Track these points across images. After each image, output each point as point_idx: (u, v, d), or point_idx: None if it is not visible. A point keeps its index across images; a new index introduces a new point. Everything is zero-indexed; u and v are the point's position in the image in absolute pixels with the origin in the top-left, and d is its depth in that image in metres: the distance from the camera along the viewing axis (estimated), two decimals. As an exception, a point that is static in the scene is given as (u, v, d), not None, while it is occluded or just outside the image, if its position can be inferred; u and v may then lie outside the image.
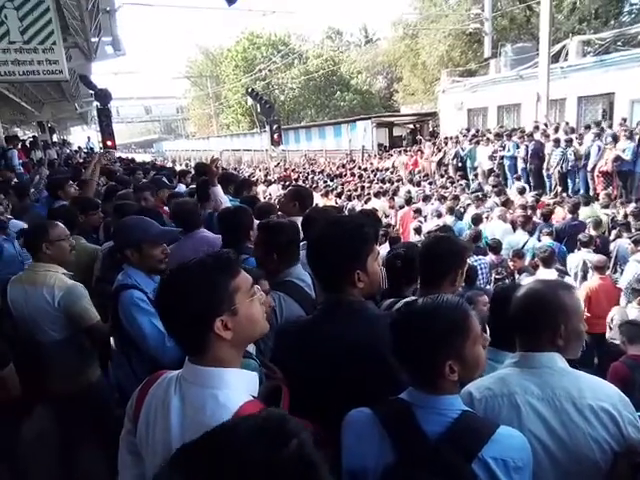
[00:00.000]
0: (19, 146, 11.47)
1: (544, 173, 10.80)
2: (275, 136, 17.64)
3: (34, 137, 16.63)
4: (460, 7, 21.36)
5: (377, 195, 10.11)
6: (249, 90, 21.02)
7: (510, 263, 5.32)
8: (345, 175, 15.27)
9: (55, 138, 21.33)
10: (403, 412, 1.12)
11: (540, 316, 1.32)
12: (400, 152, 16.79)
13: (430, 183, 12.00)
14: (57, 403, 2.48)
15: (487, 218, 7.01)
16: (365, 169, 15.77)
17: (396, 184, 11.56)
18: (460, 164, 13.25)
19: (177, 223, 2.86)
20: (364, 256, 1.43)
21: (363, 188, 11.61)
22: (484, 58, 17.82)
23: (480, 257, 5.18)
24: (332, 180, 14.27)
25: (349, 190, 11.67)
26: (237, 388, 1.07)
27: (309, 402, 1.26)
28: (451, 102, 17.31)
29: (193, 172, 6.25)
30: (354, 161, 18.60)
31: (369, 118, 20.77)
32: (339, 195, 11.12)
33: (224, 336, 1.07)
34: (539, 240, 5.89)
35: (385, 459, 1.13)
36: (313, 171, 17.50)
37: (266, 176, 17.40)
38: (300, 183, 13.30)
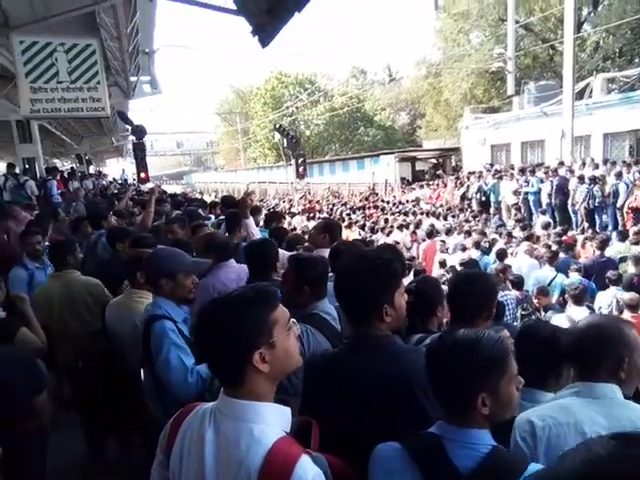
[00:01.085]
0: (58, 177, 12.07)
1: (569, 208, 10.67)
2: (300, 169, 18.07)
3: (72, 168, 17.51)
4: (483, 47, 21.83)
5: (400, 228, 10.13)
6: (276, 126, 21.77)
7: (535, 300, 5.21)
8: (368, 208, 15.40)
9: (91, 169, 22.34)
10: (434, 446, 1.12)
11: (604, 348, 1.34)
12: (422, 186, 16.89)
13: (453, 216, 11.98)
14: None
15: (512, 254, 6.91)
16: (387, 202, 15.88)
17: (419, 217, 11.58)
18: (484, 198, 13.22)
19: (209, 254, 2.93)
20: (392, 291, 1.44)
21: (387, 221, 11.65)
22: (507, 95, 18.00)
23: (507, 292, 5.09)
24: (354, 212, 14.39)
25: (372, 222, 11.72)
26: (272, 423, 1.06)
27: (338, 437, 1.26)
28: (474, 138, 17.43)
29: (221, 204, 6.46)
30: (377, 194, 18.78)
31: (392, 153, 21.10)
32: (362, 227, 11.17)
33: (262, 369, 1.07)
34: (567, 276, 5.76)
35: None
36: (340, 202, 17.71)
37: (290, 208, 17.69)
38: (324, 215, 13.46)
